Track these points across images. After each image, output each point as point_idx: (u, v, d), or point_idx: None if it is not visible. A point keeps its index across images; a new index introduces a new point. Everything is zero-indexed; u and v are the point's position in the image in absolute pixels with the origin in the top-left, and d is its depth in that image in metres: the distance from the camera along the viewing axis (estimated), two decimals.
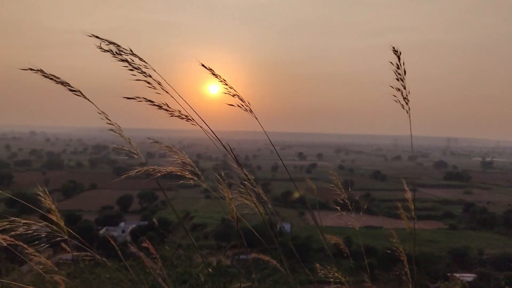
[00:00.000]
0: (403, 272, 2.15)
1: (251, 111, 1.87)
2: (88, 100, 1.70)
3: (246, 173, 1.87)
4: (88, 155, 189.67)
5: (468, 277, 34.41)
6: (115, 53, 1.69)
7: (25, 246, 1.93)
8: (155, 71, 1.72)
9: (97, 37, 1.63)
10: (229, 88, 1.86)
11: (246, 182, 1.88)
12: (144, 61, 1.72)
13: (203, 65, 1.77)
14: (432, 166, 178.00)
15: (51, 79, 1.66)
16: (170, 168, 1.82)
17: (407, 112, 1.96)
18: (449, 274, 37.95)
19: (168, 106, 1.77)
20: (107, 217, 60.60)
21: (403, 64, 1.94)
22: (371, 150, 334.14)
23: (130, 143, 1.82)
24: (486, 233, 63.39)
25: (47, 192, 1.90)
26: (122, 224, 58.00)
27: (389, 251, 2.40)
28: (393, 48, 1.93)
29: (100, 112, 1.69)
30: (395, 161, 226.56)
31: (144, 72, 1.73)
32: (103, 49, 1.66)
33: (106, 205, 72.67)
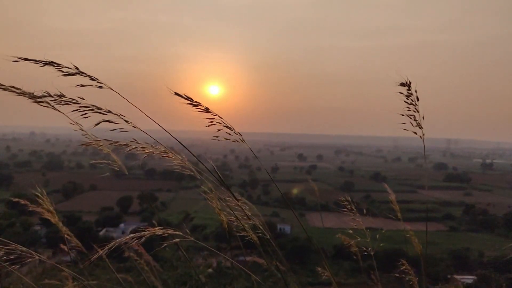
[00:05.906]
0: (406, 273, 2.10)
1: (242, 140, 1.69)
2: (58, 111, 1.48)
3: (239, 199, 1.76)
4: (88, 156, 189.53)
5: (469, 279, 34.35)
6: (71, 74, 1.45)
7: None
8: (117, 93, 1.46)
9: (26, 59, 1.39)
10: (212, 117, 1.65)
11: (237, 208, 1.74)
12: (98, 80, 1.47)
13: (176, 93, 1.52)
14: (432, 167, 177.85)
15: (12, 91, 1.45)
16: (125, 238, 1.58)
17: (420, 137, 1.85)
18: (449, 276, 37.89)
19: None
20: (107, 218, 60.68)
21: (415, 91, 1.81)
22: (371, 151, 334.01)
23: (109, 153, 1.71)
24: (486, 235, 63.30)
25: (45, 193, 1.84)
26: (122, 225, 58.13)
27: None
28: (402, 83, 1.78)
29: (73, 122, 1.48)
30: (395, 163, 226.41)
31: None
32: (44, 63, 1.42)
33: (106, 206, 72.64)
